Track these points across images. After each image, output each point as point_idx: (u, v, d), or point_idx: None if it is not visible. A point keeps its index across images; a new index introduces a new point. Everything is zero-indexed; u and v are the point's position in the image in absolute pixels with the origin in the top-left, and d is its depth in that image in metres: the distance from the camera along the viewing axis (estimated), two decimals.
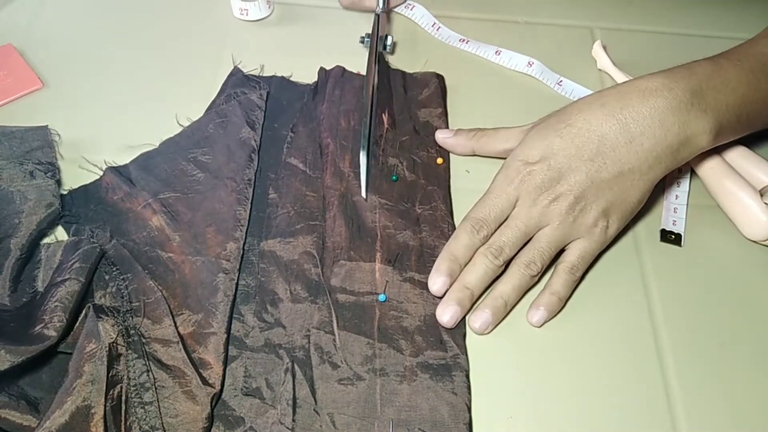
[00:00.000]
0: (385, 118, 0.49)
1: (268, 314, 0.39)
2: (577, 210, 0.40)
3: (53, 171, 0.43)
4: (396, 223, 0.43)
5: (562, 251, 0.41)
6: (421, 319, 0.40)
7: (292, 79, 0.51)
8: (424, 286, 0.41)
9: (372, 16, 0.53)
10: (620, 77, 0.53)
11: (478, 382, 0.38)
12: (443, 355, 0.38)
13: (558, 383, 0.39)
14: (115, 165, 0.45)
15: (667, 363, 0.40)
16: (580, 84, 0.53)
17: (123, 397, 0.34)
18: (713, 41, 0.58)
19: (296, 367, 0.37)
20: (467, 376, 0.38)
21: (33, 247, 0.40)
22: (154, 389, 0.34)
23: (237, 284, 0.40)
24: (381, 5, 0.52)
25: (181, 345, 0.36)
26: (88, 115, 0.49)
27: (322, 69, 0.52)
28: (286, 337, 0.38)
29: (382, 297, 0.40)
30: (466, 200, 0.43)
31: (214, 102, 0.49)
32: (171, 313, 0.37)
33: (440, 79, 0.52)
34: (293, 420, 0.35)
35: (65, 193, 0.43)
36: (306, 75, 0.52)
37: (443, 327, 0.39)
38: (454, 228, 0.44)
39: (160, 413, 0.34)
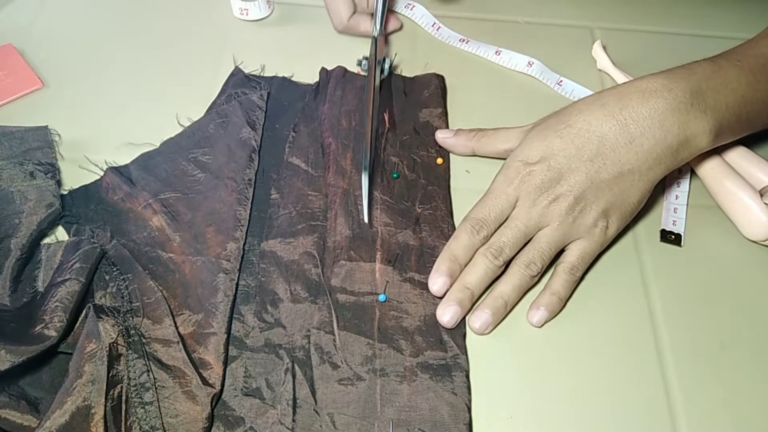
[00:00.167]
0: (386, 117, 0.49)
1: (268, 314, 0.39)
2: (577, 210, 0.40)
3: (53, 171, 0.43)
4: (396, 221, 0.44)
5: (562, 251, 0.41)
6: (421, 319, 0.40)
7: (293, 79, 0.51)
8: (424, 286, 0.41)
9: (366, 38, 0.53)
10: (620, 77, 0.53)
11: (478, 382, 0.38)
12: (443, 355, 0.38)
13: (558, 383, 0.39)
14: (115, 165, 0.45)
15: (667, 363, 0.40)
16: (580, 84, 0.53)
17: (123, 397, 0.34)
18: (713, 41, 0.58)
19: (296, 367, 0.37)
20: (467, 376, 0.38)
21: (33, 247, 0.40)
22: (154, 389, 0.34)
23: (237, 284, 0.40)
24: (378, 29, 0.50)
25: (181, 345, 0.36)
26: (88, 115, 0.49)
27: (323, 69, 0.52)
28: (286, 338, 0.38)
29: (382, 297, 0.40)
30: (466, 200, 0.43)
31: (214, 102, 0.49)
32: (171, 313, 0.37)
33: (440, 79, 0.52)
34: (293, 420, 0.35)
35: (65, 193, 0.43)
36: (306, 75, 0.52)
37: (443, 327, 0.39)
38: (454, 228, 0.44)
39: (160, 413, 0.34)
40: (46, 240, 0.42)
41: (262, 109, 0.48)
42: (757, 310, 0.42)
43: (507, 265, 0.40)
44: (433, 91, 0.51)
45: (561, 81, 0.53)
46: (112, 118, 0.49)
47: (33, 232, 0.40)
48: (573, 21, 0.59)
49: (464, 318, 0.40)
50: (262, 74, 0.52)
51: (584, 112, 0.40)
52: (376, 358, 0.38)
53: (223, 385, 0.36)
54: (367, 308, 0.40)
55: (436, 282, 0.40)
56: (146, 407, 0.34)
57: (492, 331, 0.40)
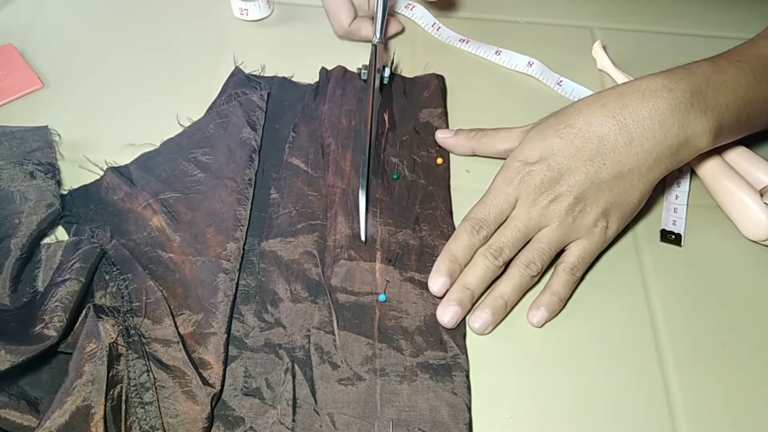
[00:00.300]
0: (386, 117, 0.49)
1: (268, 314, 0.39)
2: (577, 210, 0.40)
3: (53, 171, 0.43)
4: (396, 222, 0.44)
5: (561, 251, 0.41)
6: (421, 319, 0.40)
7: (293, 79, 0.51)
8: (424, 286, 0.41)
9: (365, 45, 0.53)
10: (620, 77, 0.53)
11: (478, 382, 0.38)
12: (443, 355, 0.38)
13: (558, 383, 0.39)
14: (115, 165, 0.45)
15: (667, 363, 0.40)
16: (580, 84, 0.53)
17: (123, 397, 0.34)
18: (713, 41, 0.58)
19: (296, 367, 0.37)
20: (467, 376, 0.38)
21: (33, 247, 0.40)
22: (154, 389, 0.34)
23: (237, 284, 0.40)
24: (378, 35, 0.49)
25: (181, 345, 0.36)
26: (88, 115, 0.49)
27: (323, 69, 0.52)
28: (286, 337, 0.38)
29: (382, 297, 0.40)
30: (466, 200, 0.43)
31: (215, 102, 0.49)
32: (171, 313, 0.37)
33: (440, 79, 0.52)
34: (293, 420, 0.35)
35: (65, 193, 0.43)
36: (306, 75, 0.52)
37: (443, 327, 0.39)
38: (454, 228, 0.44)
39: (160, 413, 0.34)
40: (46, 240, 0.42)
41: (262, 109, 0.48)
42: (757, 310, 0.42)
43: (507, 265, 0.40)
44: (433, 91, 0.51)
45: (561, 81, 0.53)
46: (112, 118, 0.49)
47: (33, 232, 0.40)
48: (573, 21, 0.59)
49: (464, 318, 0.40)
50: (262, 74, 0.52)
51: (584, 112, 0.40)
52: (376, 358, 0.38)
53: (223, 385, 0.36)
54: (367, 308, 0.40)
55: (436, 282, 0.40)
56: (146, 407, 0.34)
57: (492, 331, 0.40)
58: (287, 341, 0.38)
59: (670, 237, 0.45)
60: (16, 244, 0.39)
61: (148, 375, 0.35)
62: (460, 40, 0.56)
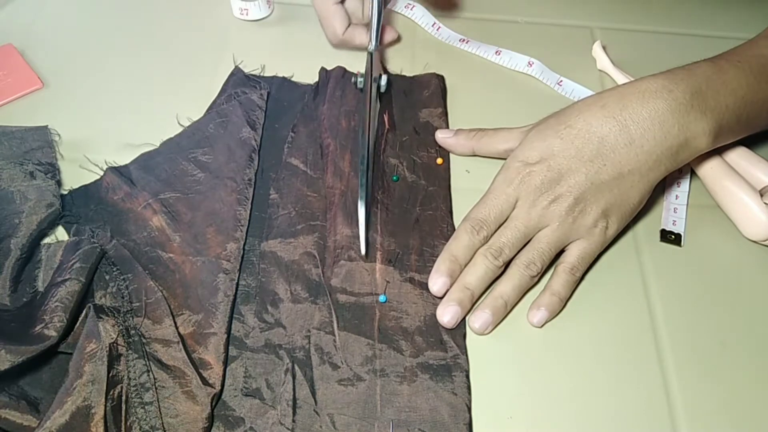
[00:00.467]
0: (385, 118, 0.49)
1: (268, 314, 0.39)
2: (577, 211, 0.40)
3: (53, 171, 0.43)
4: (396, 222, 0.44)
5: (561, 252, 0.41)
6: (421, 319, 0.40)
7: (292, 79, 0.51)
8: (424, 286, 0.41)
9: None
10: (620, 77, 0.53)
11: (478, 382, 0.38)
12: (443, 355, 0.38)
13: (558, 383, 0.39)
14: (115, 165, 0.45)
15: (667, 363, 0.40)
16: (580, 84, 0.53)
17: (123, 397, 0.34)
18: (713, 41, 0.58)
19: (296, 367, 0.37)
20: (467, 377, 0.38)
21: (33, 247, 0.40)
22: (154, 389, 0.34)
23: (237, 284, 0.40)
24: (374, 43, 0.48)
25: (181, 345, 0.36)
26: (88, 115, 0.49)
27: (323, 69, 0.52)
28: (286, 338, 0.38)
29: (382, 298, 0.40)
30: (466, 200, 0.43)
31: (214, 102, 0.49)
32: (171, 313, 0.37)
33: (440, 79, 0.52)
34: (293, 420, 0.35)
35: (65, 193, 0.43)
36: (306, 75, 0.52)
37: (443, 327, 0.39)
38: (453, 228, 0.44)
39: (160, 413, 0.34)
40: (46, 240, 0.42)
41: (262, 109, 0.48)
42: (757, 310, 0.42)
43: (507, 265, 0.40)
44: (433, 90, 0.51)
45: (561, 81, 0.53)
46: (112, 118, 0.49)
47: (33, 232, 0.40)
48: (573, 21, 0.59)
49: (464, 318, 0.40)
50: (262, 74, 0.51)
51: (584, 112, 0.40)
52: (376, 358, 0.38)
53: (223, 385, 0.36)
54: (367, 308, 0.40)
55: (436, 282, 0.40)
56: (146, 407, 0.34)
57: (492, 331, 0.40)
58: (287, 342, 0.38)
59: (670, 237, 0.45)
60: (16, 244, 0.39)
61: (149, 375, 0.35)
62: (460, 40, 0.56)
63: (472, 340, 0.40)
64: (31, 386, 0.35)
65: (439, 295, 0.40)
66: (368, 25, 0.49)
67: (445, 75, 0.53)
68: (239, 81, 0.50)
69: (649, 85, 0.40)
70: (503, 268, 0.40)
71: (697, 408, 0.38)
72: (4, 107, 0.49)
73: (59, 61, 0.52)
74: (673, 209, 0.46)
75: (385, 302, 0.40)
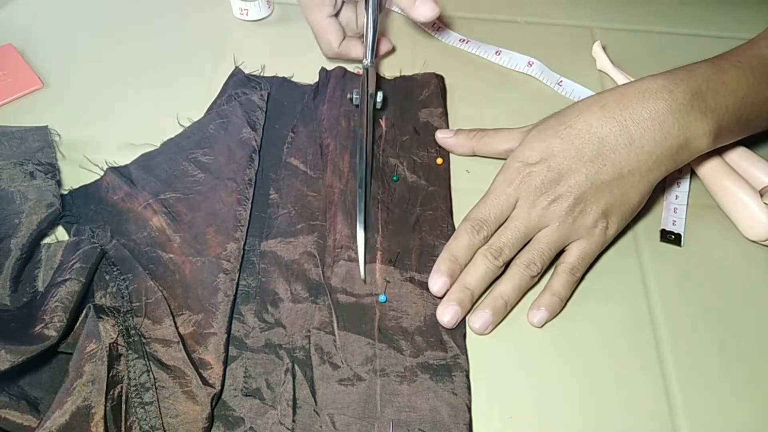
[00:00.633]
0: (384, 118, 0.49)
1: (268, 314, 0.39)
2: (577, 211, 0.40)
3: (53, 171, 0.43)
4: (397, 223, 0.44)
5: (561, 252, 0.41)
6: (422, 319, 0.40)
7: (292, 79, 0.51)
8: (425, 286, 0.41)
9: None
10: (619, 77, 0.53)
11: (478, 382, 0.38)
12: (443, 355, 0.38)
13: (558, 383, 0.39)
14: (115, 165, 0.45)
15: (667, 363, 0.40)
16: (580, 84, 0.53)
17: (123, 397, 0.34)
18: (713, 41, 0.58)
19: (296, 367, 0.37)
20: (467, 377, 0.38)
21: (33, 247, 0.40)
22: (154, 389, 0.34)
23: (237, 284, 0.40)
24: (369, 58, 0.46)
25: (181, 345, 0.36)
26: (88, 115, 0.49)
27: (323, 69, 0.52)
28: (286, 338, 0.38)
29: (382, 298, 0.40)
30: (466, 200, 0.43)
31: (215, 102, 0.49)
32: (171, 313, 0.37)
33: (439, 79, 0.52)
34: (293, 421, 0.35)
35: (65, 193, 0.43)
36: (306, 75, 0.52)
37: (443, 327, 0.39)
38: (454, 228, 0.44)
39: (160, 413, 0.34)
40: (46, 240, 0.42)
41: (262, 110, 0.48)
42: (757, 310, 0.42)
43: (507, 265, 0.40)
44: (432, 90, 0.51)
45: (561, 81, 0.53)
46: (112, 118, 0.49)
47: (33, 232, 0.40)
48: (573, 21, 0.59)
49: (464, 318, 0.40)
50: (262, 74, 0.51)
51: (584, 113, 0.40)
52: (377, 358, 0.38)
53: (223, 385, 0.36)
54: (367, 308, 0.40)
55: (437, 282, 0.40)
56: (146, 407, 0.34)
57: (492, 331, 0.40)
58: (287, 342, 0.38)
59: (670, 237, 0.45)
60: (16, 244, 0.39)
61: (149, 375, 0.35)
62: (460, 40, 0.56)
63: (472, 340, 0.40)
64: (31, 386, 0.35)
65: (439, 294, 0.40)
66: (363, 37, 0.48)
67: (445, 75, 0.53)
68: (240, 81, 0.50)
69: (649, 85, 0.40)
70: (503, 268, 0.40)
71: (697, 408, 0.38)
72: (4, 107, 0.49)
73: (59, 61, 0.52)
74: (673, 209, 0.46)
75: (385, 302, 0.40)
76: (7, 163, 0.43)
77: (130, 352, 0.35)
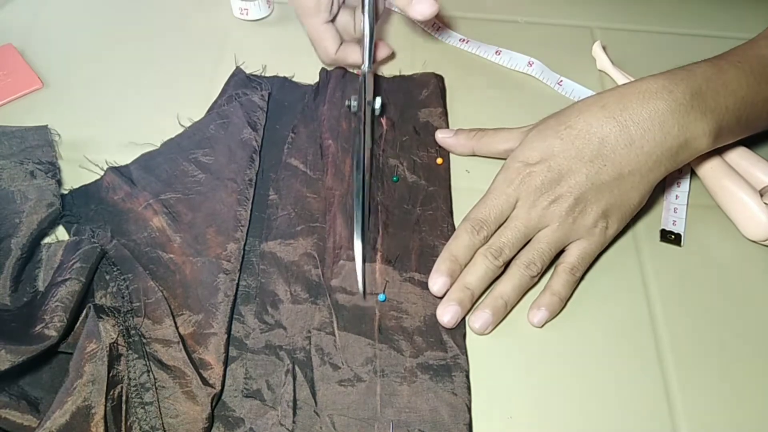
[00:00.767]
0: (384, 119, 0.49)
1: (268, 315, 0.39)
2: (577, 211, 0.40)
3: (53, 171, 0.43)
4: (397, 223, 0.44)
5: (561, 252, 0.41)
6: (421, 319, 0.40)
7: (293, 79, 0.51)
8: (425, 286, 0.41)
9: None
10: (619, 77, 0.53)
11: (478, 382, 0.38)
12: (443, 355, 0.38)
13: (558, 383, 0.39)
14: (116, 165, 0.45)
15: (667, 363, 0.40)
16: (580, 84, 0.53)
17: (123, 397, 0.34)
18: (713, 41, 0.58)
19: (297, 368, 0.37)
20: (467, 377, 0.38)
21: (33, 246, 0.40)
22: (154, 389, 0.34)
23: (237, 285, 0.40)
24: (368, 64, 0.46)
25: (181, 345, 0.36)
26: (88, 115, 0.49)
27: (323, 69, 0.52)
28: (286, 339, 0.38)
29: (381, 297, 0.40)
30: (466, 200, 0.43)
31: (215, 102, 0.49)
32: (171, 313, 0.37)
33: (439, 79, 0.52)
34: (293, 422, 0.35)
35: (66, 192, 0.43)
36: (306, 75, 0.52)
37: (443, 327, 0.39)
38: (454, 228, 0.44)
39: (160, 413, 0.34)
40: (47, 240, 0.42)
41: (263, 110, 0.48)
42: (757, 310, 0.42)
43: (507, 265, 0.40)
44: (432, 90, 0.51)
45: (561, 81, 0.53)
46: (113, 118, 0.49)
47: (33, 231, 0.40)
48: (573, 21, 0.59)
49: (464, 318, 0.40)
50: (263, 74, 0.51)
51: (585, 113, 0.40)
52: (377, 358, 0.38)
53: (223, 386, 0.36)
54: (367, 308, 0.40)
55: (437, 282, 0.40)
56: (146, 407, 0.34)
57: (492, 331, 0.40)
58: (288, 342, 0.38)
59: (670, 237, 0.45)
60: (16, 244, 0.39)
61: (149, 375, 0.35)
62: (460, 40, 0.56)
63: (472, 340, 0.40)
64: (31, 386, 0.35)
65: (439, 294, 0.40)
66: (360, 42, 0.47)
67: (445, 75, 0.53)
68: (240, 82, 0.50)
69: (649, 85, 0.40)
70: (503, 268, 0.40)
71: (697, 408, 0.38)
72: (4, 107, 0.49)
73: (59, 61, 0.52)
74: (673, 209, 0.46)
75: (384, 301, 0.40)
76: (7, 162, 0.43)
77: (130, 352, 0.35)
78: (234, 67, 0.51)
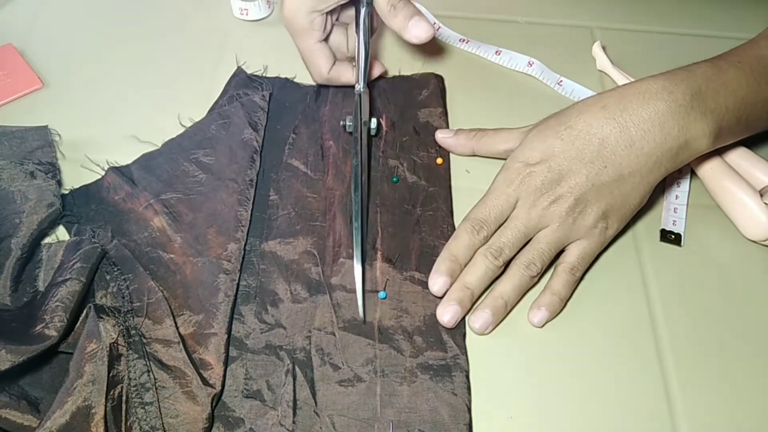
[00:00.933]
0: (384, 120, 0.49)
1: (268, 315, 0.39)
2: (577, 212, 0.40)
3: (54, 171, 0.43)
4: (397, 224, 0.44)
5: (561, 252, 0.41)
6: (421, 319, 0.40)
7: (295, 80, 0.51)
8: (425, 285, 0.41)
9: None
10: (619, 77, 0.53)
11: (478, 382, 0.38)
12: (443, 355, 0.38)
13: (558, 383, 0.39)
14: (116, 165, 0.45)
15: (667, 363, 0.40)
16: (580, 84, 0.53)
17: (123, 398, 0.34)
18: (713, 41, 0.58)
19: (297, 368, 0.37)
20: (467, 377, 0.38)
21: (34, 246, 0.40)
22: (154, 389, 0.35)
23: (238, 285, 0.40)
24: (362, 83, 0.44)
25: (181, 345, 0.36)
26: (88, 115, 0.49)
27: None
28: (287, 338, 0.38)
29: (382, 294, 0.40)
30: (466, 200, 0.43)
31: (216, 102, 0.49)
32: (172, 313, 0.37)
33: (438, 79, 0.52)
34: (293, 422, 0.35)
35: (66, 192, 0.43)
36: (307, 75, 0.51)
37: (443, 327, 0.39)
38: (454, 228, 0.44)
39: (160, 413, 0.34)
40: (47, 240, 0.42)
41: (264, 110, 0.48)
42: (757, 310, 0.42)
43: (507, 265, 0.40)
44: (432, 90, 0.51)
45: (561, 81, 0.53)
46: (113, 118, 0.49)
47: (33, 231, 0.40)
48: (573, 21, 0.59)
49: (464, 318, 0.40)
50: (264, 75, 0.51)
51: (585, 113, 0.40)
52: (377, 358, 0.38)
53: (223, 386, 0.36)
54: (367, 309, 0.40)
55: (436, 282, 0.40)
56: (146, 407, 0.34)
57: (492, 331, 0.40)
58: (288, 342, 0.38)
59: (670, 237, 0.45)
60: (16, 244, 0.39)
61: (149, 375, 0.35)
62: (460, 40, 0.56)
63: (472, 340, 0.40)
64: (31, 386, 0.35)
65: (439, 294, 0.40)
66: (354, 60, 0.46)
67: (445, 75, 0.53)
68: (241, 82, 0.50)
69: (649, 86, 0.40)
70: (503, 268, 0.40)
71: (697, 408, 0.38)
72: (4, 107, 0.49)
73: (59, 61, 0.52)
74: (673, 209, 0.46)
75: (384, 298, 0.40)
76: (7, 162, 0.43)
77: (130, 352, 0.35)
78: (234, 67, 0.51)
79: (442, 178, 0.47)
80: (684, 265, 0.44)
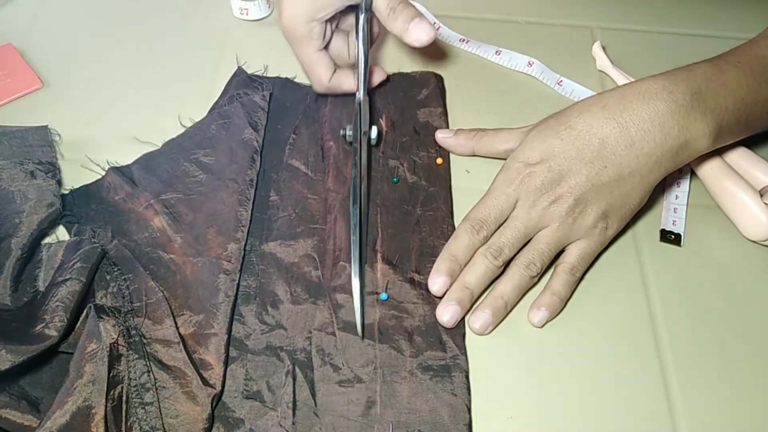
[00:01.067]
0: (384, 120, 0.49)
1: (268, 316, 0.39)
2: (577, 212, 0.40)
3: (54, 171, 0.43)
4: (397, 224, 0.44)
5: (561, 252, 0.41)
6: (421, 319, 0.40)
7: (295, 80, 0.51)
8: (424, 286, 0.41)
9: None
10: (619, 77, 0.53)
11: (478, 382, 0.38)
12: (443, 355, 0.38)
13: (558, 383, 0.39)
14: (117, 165, 0.45)
15: (667, 363, 0.40)
16: (580, 84, 0.53)
17: (124, 398, 0.34)
18: (713, 41, 0.58)
19: (297, 369, 0.37)
20: (467, 377, 0.38)
21: (34, 246, 0.40)
22: (154, 390, 0.35)
23: (238, 285, 0.40)
24: (362, 92, 0.44)
25: (181, 346, 0.36)
26: (88, 115, 0.49)
27: None
28: (287, 339, 0.38)
29: (383, 296, 0.40)
30: (466, 200, 0.43)
31: (217, 103, 0.49)
32: (172, 313, 0.37)
33: (438, 78, 0.52)
34: (293, 423, 0.35)
35: (66, 192, 0.43)
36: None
37: (443, 327, 0.39)
38: (454, 228, 0.44)
39: (160, 414, 0.34)
40: (47, 239, 0.42)
41: (264, 110, 0.48)
42: (757, 310, 0.42)
43: (506, 265, 0.40)
44: (432, 90, 0.51)
45: (561, 81, 0.53)
46: (113, 118, 0.49)
47: (33, 231, 0.40)
48: (573, 21, 0.59)
49: (464, 318, 0.40)
50: (265, 75, 0.51)
51: (585, 113, 0.40)
52: (377, 359, 0.38)
53: (223, 386, 0.36)
54: (367, 309, 0.40)
55: (436, 282, 0.40)
56: (147, 407, 0.34)
57: (492, 331, 0.40)
58: (288, 343, 0.38)
59: (669, 237, 0.45)
60: (16, 244, 0.39)
61: (149, 375, 0.35)
62: (460, 40, 0.56)
63: (471, 340, 0.40)
64: (31, 386, 0.35)
65: (439, 294, 0.40)
66: (355, 67, 0.46)
67: (445, 75, 0.53)
68: (242, 82, 0.50)
69: (649, 86, 0.40)
70: (503, 268, 0.40)
71: (697, 408, 0.38)
72: (4, 107, 0.49)
73: (59, 61, 0.52)
74: (673, 209, 0.46)
75: (386, 300, 0.40)
76: (7, 162, 0.43)
77: (130, 352, 0.35)
78: (235, 67, 0.51)
79: (442, 178, 0.47)
80: (684, 265, 0.44)
